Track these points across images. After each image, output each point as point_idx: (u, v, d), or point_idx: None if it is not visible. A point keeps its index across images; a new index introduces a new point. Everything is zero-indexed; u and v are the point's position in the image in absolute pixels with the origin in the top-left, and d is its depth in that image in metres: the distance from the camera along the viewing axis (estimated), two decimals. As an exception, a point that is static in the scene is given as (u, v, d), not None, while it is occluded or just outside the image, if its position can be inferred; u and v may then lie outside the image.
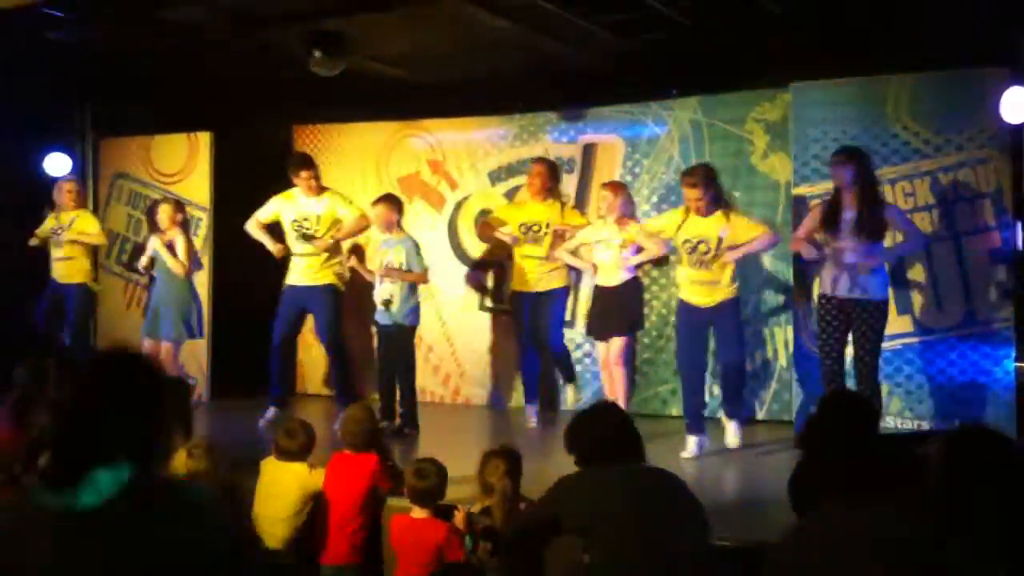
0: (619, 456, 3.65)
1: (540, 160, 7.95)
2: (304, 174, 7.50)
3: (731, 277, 6.62)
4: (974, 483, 2.60)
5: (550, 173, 7.73)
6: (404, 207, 7.84)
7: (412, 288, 7.46)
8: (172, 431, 2.33)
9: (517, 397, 8.49)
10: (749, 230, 6.62)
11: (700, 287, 6.62)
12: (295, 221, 7.58)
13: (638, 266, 7.22)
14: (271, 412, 7.38)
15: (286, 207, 7.66)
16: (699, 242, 6.56)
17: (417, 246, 7.54)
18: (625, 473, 3.60)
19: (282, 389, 7.69)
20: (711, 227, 6.56)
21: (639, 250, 7.11)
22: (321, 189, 7.64)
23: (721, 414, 6.96)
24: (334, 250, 7.65)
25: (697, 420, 6.67)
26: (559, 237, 7.61)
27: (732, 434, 6.71)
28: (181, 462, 4.60)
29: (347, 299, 7.91)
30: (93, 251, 8.64)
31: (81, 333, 8.51)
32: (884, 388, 6.64)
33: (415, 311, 7.50)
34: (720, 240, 6.53)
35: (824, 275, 6.33)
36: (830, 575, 2.53)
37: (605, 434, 3.69)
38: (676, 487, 3.63)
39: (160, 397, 2.24)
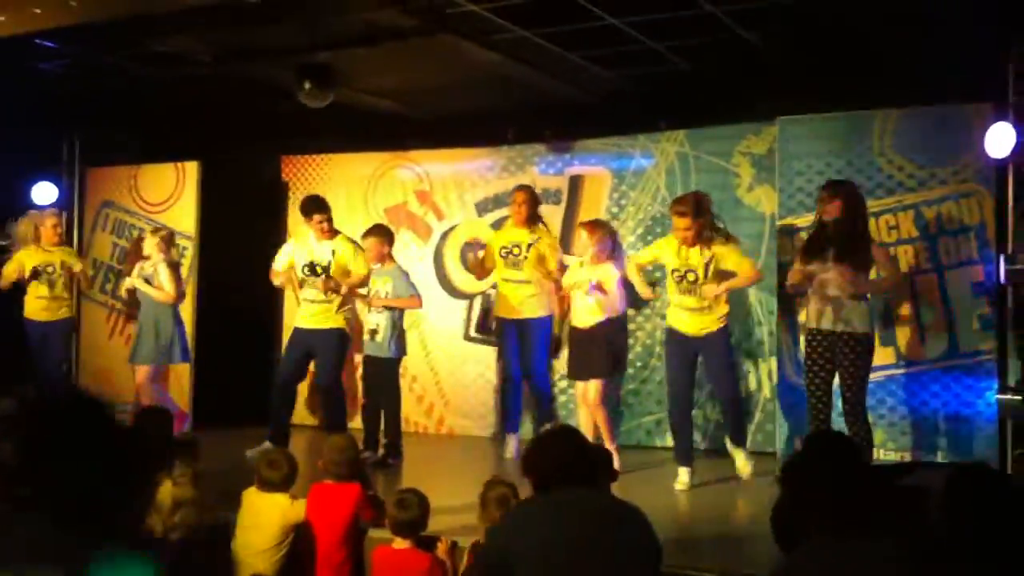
0: (576, 482, 3.50)
1: (523, 188, 7.88)
2: (317, 218, 7.40)
3: (719, 307, 6.59)
4: (972, 518, 2.60)
5: (533, 200, 7.72)
6: (394, 238, 7.86)
7: (398, 319, 7.46)
8: (141, 487, 2.15)
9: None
10: (737, 262, 6.59)
11: (689, 314, 6.58)
12: (306, 266, 7.47)
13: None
14: (266, 445, 7.14)
15: (299, 251, 7.59)
16: (687, 271, 6.55)
17: (406, 275, 7.56)
18: (564, 502, 3.45)
19: (282, 425, 7.53)
20: (695, 257, 6.55)
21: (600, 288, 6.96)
22: (333, 233, 7.53)
23: (727, 443, 6.91)
24: (345, 295, 7.53)
25: (687, 452, 6.66)
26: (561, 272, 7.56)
27: (742, 462, 6.70)
28: (167, 491, 4.61)
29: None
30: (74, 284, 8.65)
31: (64, 364, 8.49)
32: (868, 415, 6.64)
33: (401, 342, 7.50)
34: (707, 268, 6.52)
35: (810, 308, 6.32)
36: None
37: (563, 459, 3.55)
38: (622, 515, 3.48)
39: (121, 453, 2.08)
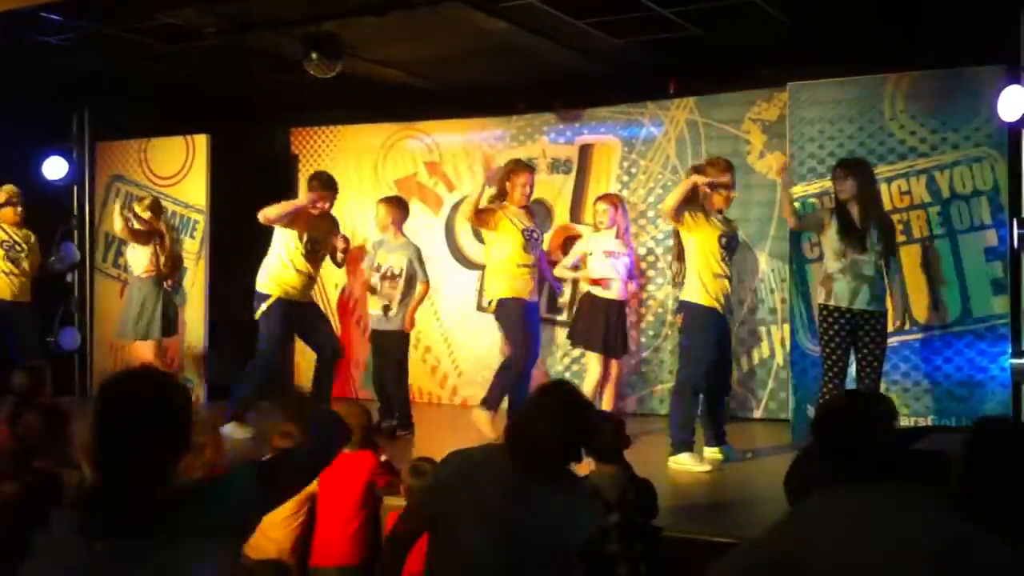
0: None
1: (528, 168, 7.41)
2: (327, 195, 7.26)
3: None
4: (999, 476, 2.57)
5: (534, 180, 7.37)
6: (409, 212, 7.80)
7: (409, 293, 7.45)
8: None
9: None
10: None
11: (724, 285, 6.36)
12: (309, 241, 7.25)
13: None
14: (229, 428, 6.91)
15: (306, 225, 7.26)
16: (728, 236, 6.46)
17: (419, 253, 7.54)
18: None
19: (252, 400, 7.23)
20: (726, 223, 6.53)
21: (633, 274, 7.30)
22: (329, 216, 7.41)
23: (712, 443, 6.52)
24: None
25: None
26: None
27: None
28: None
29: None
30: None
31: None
32: (881, 386, 6.64)
33: (402, 317, 7.49)
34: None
35: (837, 287, 6.19)
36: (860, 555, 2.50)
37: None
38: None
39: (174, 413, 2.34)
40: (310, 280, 7.38)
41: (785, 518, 2.73)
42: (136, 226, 7.92)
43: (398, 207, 7.63)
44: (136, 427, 2.25)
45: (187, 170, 9.30)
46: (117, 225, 8.02)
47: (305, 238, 7.25)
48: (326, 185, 7.32)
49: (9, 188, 8.20)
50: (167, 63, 8.19)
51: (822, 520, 2.60)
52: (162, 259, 7.97)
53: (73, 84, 8.87)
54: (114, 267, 9.56)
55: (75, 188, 9.53)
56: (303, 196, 7.35)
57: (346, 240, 7.47)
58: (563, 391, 3.28)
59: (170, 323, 8.17)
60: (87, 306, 9.57)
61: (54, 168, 9.14)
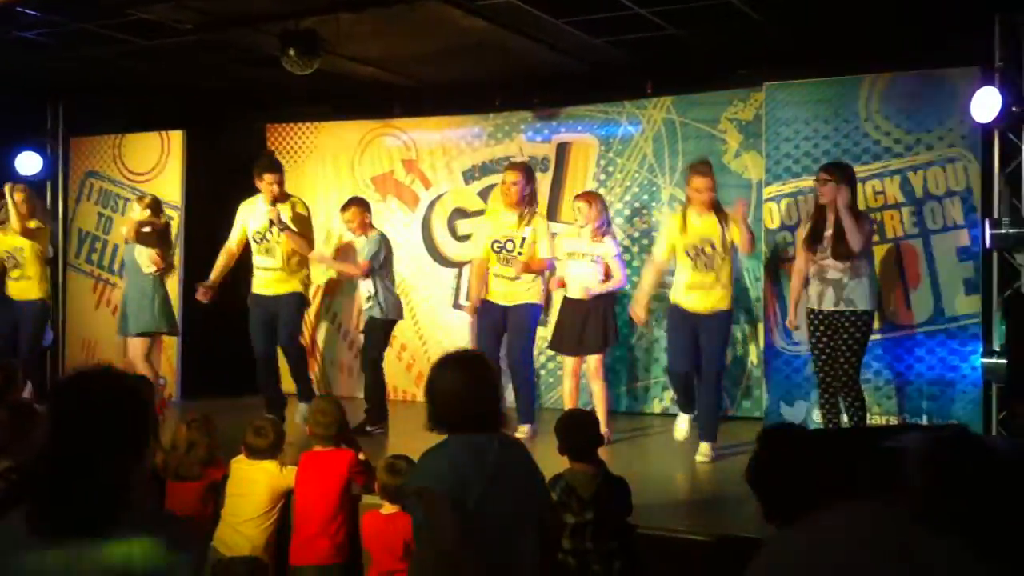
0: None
1: (516, 167, 7.36)
2: (268, 178, 7.21)
3: (728, 281, 6.43)
4: (955, 487, 2.59)
5: (527, 181, 7.15)
6: (370, 206, 7.76)
7: (381, 282, 7.42)
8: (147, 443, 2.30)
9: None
10: (738, 232, 6.35)
11: (698, 291, 6.39)
12: (257, 231, 7.31)
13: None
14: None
15: (249, 217, 7.37)
16: (706, 243, 6.38)
17: (375, 242, 7.45)
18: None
19: (277, 394, 7.45)
20: (712, 227, 6.39)
21: (607, 275, 6.99)
22: (284, 196, 7.36)
23: (691, 427, 6.66)
24: (301, 260, 7.42)
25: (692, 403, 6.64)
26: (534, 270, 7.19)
27: (704, 455, 6.41)
28: (182, 435, 5.10)
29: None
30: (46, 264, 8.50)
31: (37, 346, 8.42)
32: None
33: (388, 305, 7.45)
34: (723, 240, 6.38)
35: (811, 290, 6.28)
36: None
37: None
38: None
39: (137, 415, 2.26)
40: (270, 273, 7.34)
41: (762, 553, 2.75)
42: (146, 229, 7.78)
43: (363, 206, 7.60)
44: (94, 426, 2.18)
45: (162, 166, 9.25)
46: (140, 217, 7.80)
47: (250, 232, 7.36)
48: (267, 167, 7.32)
49: (21, 187, 8.22)
50: (142, 59, 8.15)
51: (794, 550, 2.61)
52: (166, 254, 7.83)
53: (48, 79, 8.82)
54: (87, 263, 9.51)
55: (49, 184, 9.46)
56: (263, 194, 7.31)
57: (277, 212, 7.22)
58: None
59: (174, 319, 8.08)
60: (60, 302, 9.50)
61: (28, 163, 9.09)
